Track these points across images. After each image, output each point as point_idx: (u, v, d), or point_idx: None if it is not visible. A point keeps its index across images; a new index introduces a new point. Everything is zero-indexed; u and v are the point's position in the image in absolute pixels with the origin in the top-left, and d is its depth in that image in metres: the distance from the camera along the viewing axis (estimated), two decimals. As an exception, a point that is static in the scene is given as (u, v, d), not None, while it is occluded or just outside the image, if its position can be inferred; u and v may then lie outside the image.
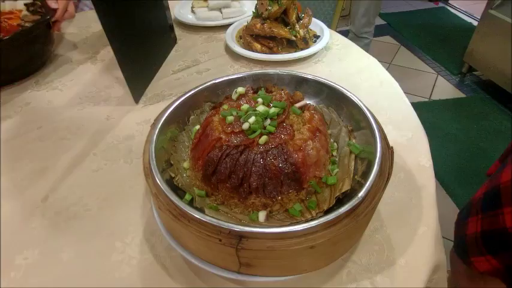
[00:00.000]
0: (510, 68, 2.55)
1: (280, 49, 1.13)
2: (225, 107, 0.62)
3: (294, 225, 0.47)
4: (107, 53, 1.24)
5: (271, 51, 1.13)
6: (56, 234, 0.67)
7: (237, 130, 0.56)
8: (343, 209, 0.48)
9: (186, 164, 0.64)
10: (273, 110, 0.59)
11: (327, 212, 0.55)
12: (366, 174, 0.58)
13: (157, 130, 0.64)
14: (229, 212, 0.56)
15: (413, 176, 0.75)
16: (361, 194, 0.50)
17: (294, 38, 1.12)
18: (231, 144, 0.55)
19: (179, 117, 0.71)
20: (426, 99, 2.97)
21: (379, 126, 0.62)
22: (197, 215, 0.49)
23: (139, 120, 0.94)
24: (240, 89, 0.66)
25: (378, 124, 0.63)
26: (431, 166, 0.77)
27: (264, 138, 0.55)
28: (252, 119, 0.57)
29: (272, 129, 0.56)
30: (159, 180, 0.54)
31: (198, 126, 0.71)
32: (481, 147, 2.40)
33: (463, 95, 3.03)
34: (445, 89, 3.18)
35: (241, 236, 0.47)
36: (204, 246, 0.50)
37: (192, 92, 0.73)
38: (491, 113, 2.75)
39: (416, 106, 1.02)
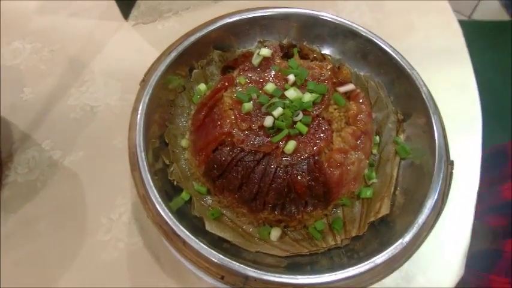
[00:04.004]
0: None
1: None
2: (242, 80, 0.45)
3: (314, 273, 0.37)
4: None
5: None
6: (31, 198, 0.57)
7: (256, 127, 0.41)
8: (380, 258, 0.38)
9: (184, 142, 0.50)
10: (308, 97, 0.42)
11: (355, 238, 0.45)
12: (410, 194, 0.46)
13: (149, 94, 0.48)
14: (234, 220, 0.46)
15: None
16: (406, 238, 0.39)
17: None
18: (245, 147, 0.40)
19: (179, 70, 0.54)
20: (464, 18, 2.57)
21: (442, 129, 0.47)
22: (195, 244, 0.38)
23: (130, 45, 0.74)
24: (265, 51, 0.47)
25: (441, 124, 0.47)
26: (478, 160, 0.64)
27: (291, 145, 0.40)
28: (278, 111, 0.41)
29: (304, 129, 0.41)
30: (147, 182, 0.41)
31: (203, 86, 0.54)
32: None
33: (508, 19, 2.63)
34: (490, 7, 2.73)
35: (247, 276, 0.38)
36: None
37: (197, 36, 0.53)
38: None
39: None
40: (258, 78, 0.44)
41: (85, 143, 0.63)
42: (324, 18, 0.55)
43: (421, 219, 0.40)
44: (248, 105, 0.41)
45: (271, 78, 0.44)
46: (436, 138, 0.45)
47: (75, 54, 0.73)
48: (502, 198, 0.78)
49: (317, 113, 0.42)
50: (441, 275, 0.54)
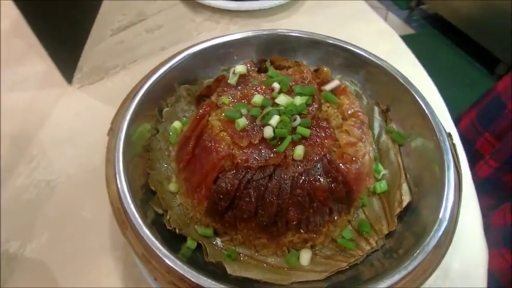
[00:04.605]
0: (458, 1, 2.53)
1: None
2: (225, 100, 0.41)
3: (365, 284, 0.32)
4: (10, 8, 0.87)
5: (241, -4, 0.88)
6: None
7: (256, 141, 0.37)
8: (428, 245, 0.34)
9: (172, 186, 0.44)
10: (299, 100, 0.40)
11: (387, 237, 0.41)
12: (422, 177, 0.44)
13: (122, 141, 0.42)
14: (255, 257, 0.39)
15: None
16: (446, 215, 0.36)
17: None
18: (252, 165, 0.36)
19: (147, 113, 0.49)
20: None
21: (430, 105, 0.47)
22: (226, 292, 0.31)
23: (78, 108, 0.68)
24: (240, 68, 0.44)
25: (427, 101, 0.48)
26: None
27: (300, 150, 0.36)
28: (275, 119, 0.38)
29: (306, 132, 0.38)
30: (147, 238, 0.34)
31: (178, 124, 0.49)
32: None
33: (412, 31, 3.02)
34: (395, 25, 3.14)
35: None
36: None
37: (159, 73, 0.49)
38: (439, 48, 2.79)
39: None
40: (241, 95, 0.41)
41: (47, 223, 0.53)
42: (283, 33, 0.55)
43: (450, 193, 0.38)
44: (242, 121, 0.37)
45: (255, 91, 0.41)
46: (429, 114, 0.45)
47: (16, 130, 0.64)
48: (478, 178, 0.80)
49: (313, 114, 0.40)
50: (472, 256, 0.52)
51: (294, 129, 0.38)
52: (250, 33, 0.55)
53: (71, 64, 0.74)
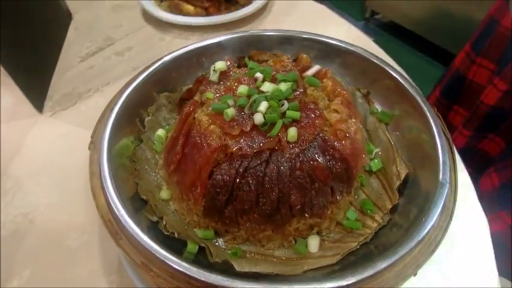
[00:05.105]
0: (408, 7, 2.71)
1: (222, 9, 0.90)
2: (210, 95, 0.40)
3: (381, 258, 0.31)
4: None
5: (208, 12, 0.90)
6: None
7: (248, 129, 0.36)
8: (434, 212, 0.34)
9: (164, 194, 0.42)
10: (284, 86, 0.40)
11: (392, 212, 0.40)
12: (413, 151, 0.44)
13: (105, 151, 0.40)
14: (261, 252, 0.37)
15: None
16: (446, 176, 0.36)
17: (231, -8, 0.90)
18: (246, 152, 0.35)
19: (128, 124, 0.47)
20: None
21: (411, 82, 0.48)
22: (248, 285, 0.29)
23: (52, 135, 0.65)
24: (220, 64, 0.44)
25: (409, 82, 0.49)
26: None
27: (293, 131, 0.36)
28: (264, 105, 0.37)
29: (296, 115, 0.37)
30: (146, 244, 0.31)
31: (162, 131, 0.48)
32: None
33: (372, 38, 3.19)
34: (355, 33, 3.30)
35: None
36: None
37: (135, 84, 0.48)
38: (397, 52, 2.94)
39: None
40: (225, 88, 0.41)
41: (28, 259, 0.49)
42: (256, 34, 0.56)
43: (446, 157, 0.38)
44: (231, 111, 0.36)
45: (239, 83, 0.40)
46: (409, 89, 0.46)
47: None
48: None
49: (299, 98, 0.40)
50: (473, 223, 0.52)
51: (283, 114, 0.38)
52: (224, 37, 0.55)
53: (40, 92, 0.71)
